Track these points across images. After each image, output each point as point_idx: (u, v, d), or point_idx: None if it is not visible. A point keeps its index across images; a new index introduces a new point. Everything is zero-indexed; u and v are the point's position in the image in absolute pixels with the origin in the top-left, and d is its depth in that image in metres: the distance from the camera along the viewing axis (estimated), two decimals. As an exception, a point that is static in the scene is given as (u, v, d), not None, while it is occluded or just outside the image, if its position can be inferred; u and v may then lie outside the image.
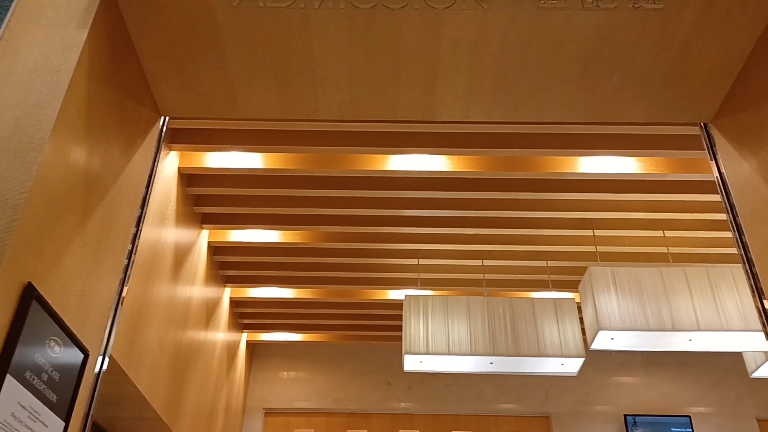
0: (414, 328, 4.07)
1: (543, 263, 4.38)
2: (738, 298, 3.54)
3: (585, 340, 5.72)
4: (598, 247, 4.11)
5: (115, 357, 2.62)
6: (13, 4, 1.78)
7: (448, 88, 2.22)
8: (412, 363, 4.14)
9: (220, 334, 4.74)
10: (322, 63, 2.12)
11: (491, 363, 4.12)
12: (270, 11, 1.95)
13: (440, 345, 4.00)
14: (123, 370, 2.73)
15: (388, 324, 5.51)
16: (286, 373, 6.02)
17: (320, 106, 2.29)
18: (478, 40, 2.04)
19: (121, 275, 2.10)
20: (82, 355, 1.76)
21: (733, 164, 2.15)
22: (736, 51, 2.03)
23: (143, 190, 2.26)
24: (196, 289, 3.99)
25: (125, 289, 2.13)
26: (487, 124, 2.98)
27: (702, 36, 2.00)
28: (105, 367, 1.97)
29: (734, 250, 4.04)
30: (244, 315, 5.42)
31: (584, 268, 4.24)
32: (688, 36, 2.00)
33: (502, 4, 1.92)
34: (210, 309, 4.41)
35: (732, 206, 2.18)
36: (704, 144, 2.34)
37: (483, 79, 2.18)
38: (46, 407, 1.56)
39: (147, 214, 2.34)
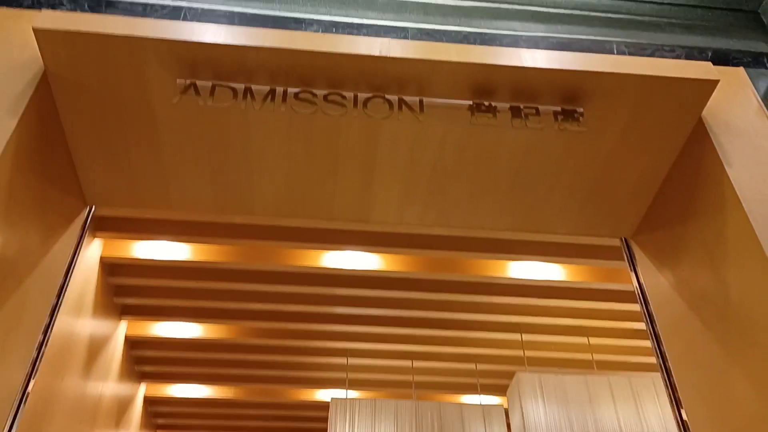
0: (340, 432, 3.91)
1: (472, 366, 4.36)
2: (659, 407, 3.60)
3: (513, 446, 5.61)
4: (525, 351, 4.14)
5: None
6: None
7: (383, 190, 2.25)
8: (336, 470, 3.94)
9: (130, 435, 4.40)
10: (259, 157, 2.12)
11: (418, 471, 3.97)
12: (210, 109, 1.96)
13: (366, 451, 3.84)
14: (17, 476, 2.47)
15: (313, 426, 5.28)
16: (200, 478, 5.60)
17: (255, 202, 2.27)
18: (415, 146, 2.10)
19: (29, 369, 1.93)
20: (-31, 464, 1.59)
21: (652, 278, 2.24)
22: (653, 174, 2.16)
23: (61, 279, 2.14)
24: (108, 385, 3.72)
25: (31, 384, 1.96)
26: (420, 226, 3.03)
27: (622, 158, 2.12)
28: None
29: (654, 359, 4.14)
30: (158, 414, 5.08)
31: (512, 373, 4.23)
32: (609, 158, 2.12)
33: (436, 118, 2.00)
34: (122, 407, 4.11)
35: (651, 317, 2.24)
36: (625, 257, 2.44)
37: (418, 183, 2.22)
38: None
39: (62, 304, 2.20)
